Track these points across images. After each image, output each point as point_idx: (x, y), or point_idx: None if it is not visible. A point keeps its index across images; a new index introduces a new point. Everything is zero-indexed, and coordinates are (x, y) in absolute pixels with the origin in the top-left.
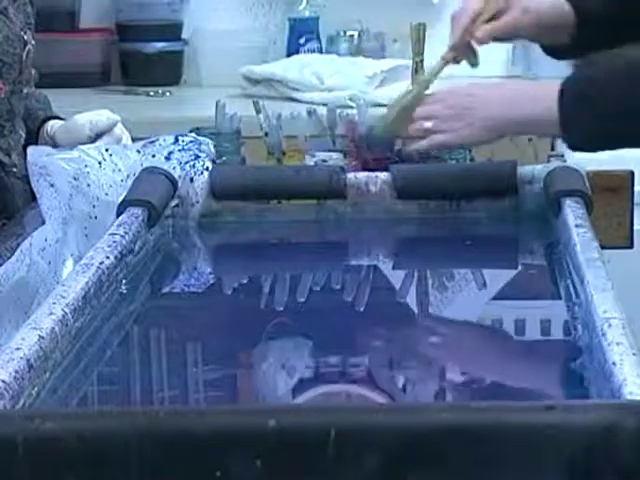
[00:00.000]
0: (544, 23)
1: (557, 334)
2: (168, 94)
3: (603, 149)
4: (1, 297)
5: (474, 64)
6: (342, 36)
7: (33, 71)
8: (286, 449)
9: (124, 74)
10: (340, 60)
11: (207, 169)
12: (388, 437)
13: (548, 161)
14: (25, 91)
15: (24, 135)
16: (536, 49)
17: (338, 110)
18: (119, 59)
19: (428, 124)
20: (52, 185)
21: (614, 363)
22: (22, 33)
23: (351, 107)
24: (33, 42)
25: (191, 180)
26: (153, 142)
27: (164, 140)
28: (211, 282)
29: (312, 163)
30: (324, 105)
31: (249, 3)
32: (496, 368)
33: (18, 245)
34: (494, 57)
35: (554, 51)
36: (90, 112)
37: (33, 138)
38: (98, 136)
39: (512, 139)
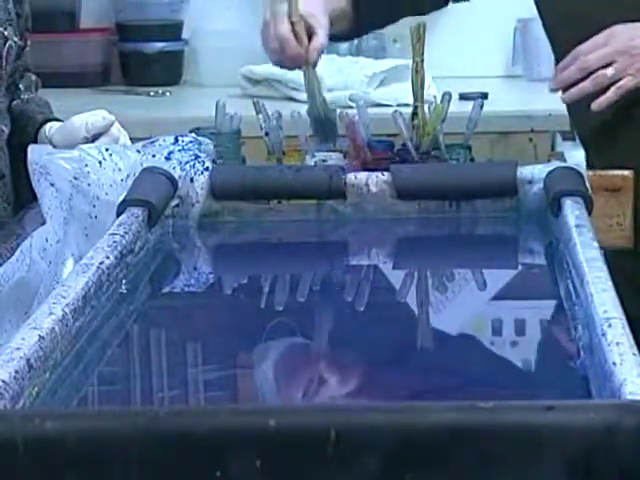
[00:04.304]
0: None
1: (557, 334)
2: (168, 94)
3: None
4: (1, 297)
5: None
6: None
7: (34, 77)
8: (286, 449)
9: (124, 74)
10: (340, 60)
11: (207, 169)
12: (388, 437)
13: (548, 161)
14: (25, 97)
15: (7, 131)
16: (536, 49)
17: (338, 110)
18: (119, 59)
19: (609, 71)
20: (52, 185)
21: (614, 363)
22: (1, 29)
23: (351, 107)
24: (16, 40)
25: (191, 180)
26: (153, 142)
27: (164, 140)
28: (211, 282)
29: (312, 163)
30: None
31: (249, 3)
32: (496, 368)
33: (18, 245)
34: (494, 57)
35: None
36: (86, 113)
37: (33, 142)
38: (95, 137)
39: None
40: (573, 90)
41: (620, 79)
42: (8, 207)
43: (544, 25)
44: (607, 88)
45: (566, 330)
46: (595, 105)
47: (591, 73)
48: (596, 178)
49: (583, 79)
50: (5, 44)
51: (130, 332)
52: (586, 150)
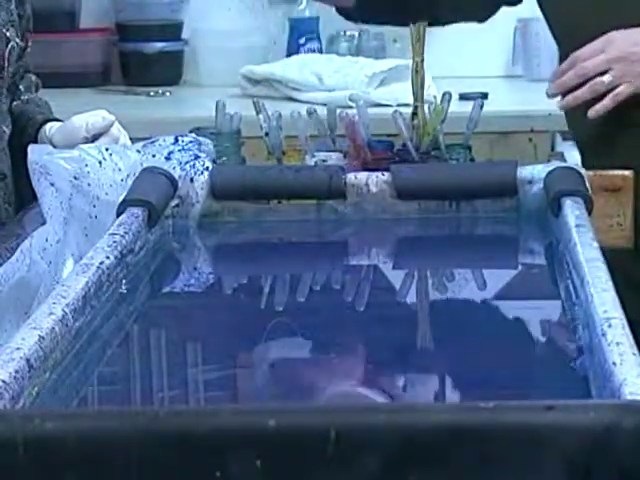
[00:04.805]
0: None
1: (557, 334)
2: (168, 94)
3: None
4: (1, 297)
5: None
6: (342, 36)
7: (34, 77)
8: (286, 449)
9: (124, 74)
10: (340, 60)
11: (207, 169)
12: (388, 437)
13: (548, 161)
14: (25, 97)
15: (8, 132)
16: (536, 49)
17: (338, 110)
18: (119, 59)
19: (606, 78)
20: (53, 184)
21: (614, 363)
22: (4, 30)
23: (351, 107)
24: (18, 41)
25: (191, 180)
26: (153, 142)
27: (164, 140)
28: (211, 282)
29: (312, 163)
30: (324, 105)
31: (249, 3)
32: (496, 368)
33: (18, 245)
34: (494, 57)
35: (346, 13)
36: (86, 113)
37: (33, 142)
38: (95, 137)
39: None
40: (570, 97)
41: (617, 86)
42: (9, 208)
43: (553, 34)
44: (604, 95)
45: (566, 330)
46: (592, 112)
47: (589, 79)
48: (596, 178)
49: (581, 85)
50: (7, 45)
51: (130, 332)
52: (582, 154)
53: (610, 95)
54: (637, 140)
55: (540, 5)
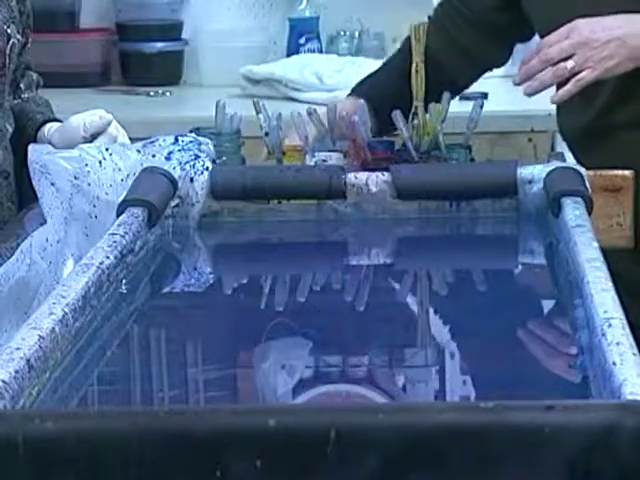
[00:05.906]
0: None
1: (557, 334)
2: (168, 94)
3: None
4: (1, 297)
5: None
6: (342, 36)
7: (35, 75)
8: (286, 449)
9: (124, 74)
10: (340, 60)
11: (207, 169)
12: (388, 437)
13: (548, 161)
14: (25, 96)
15: (11, 130)
16: None
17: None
18: (119, 59)
19: (569, 63)
20: (53, 184)
21: (614, 363)
22: (5, 27)
23: None
24: (19, 37)
25: (191, 180)
26: (153, 142)
27: (164, 140)
28: (211, 282)
29: (312, 163)
30: (324, 105)
31: (249, 3)
32: (496, 368)
33: (18, 245)
34: None
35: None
36: (84, 113)
37: (33, 142)
38: (93, 136)
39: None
40: (535, 82)
41: (581, 71)
42: (12, 206)
43: (540, 36)
44: (568, 80)
45: (566, 330)
46: (555, 98)
47: (553, 65)
48: (596, 178)
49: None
50: (8, 42)
51: (130, 332)
52: (573, 152)
53: (573, 80)
54: (628, 138)
55: (524, 9)
